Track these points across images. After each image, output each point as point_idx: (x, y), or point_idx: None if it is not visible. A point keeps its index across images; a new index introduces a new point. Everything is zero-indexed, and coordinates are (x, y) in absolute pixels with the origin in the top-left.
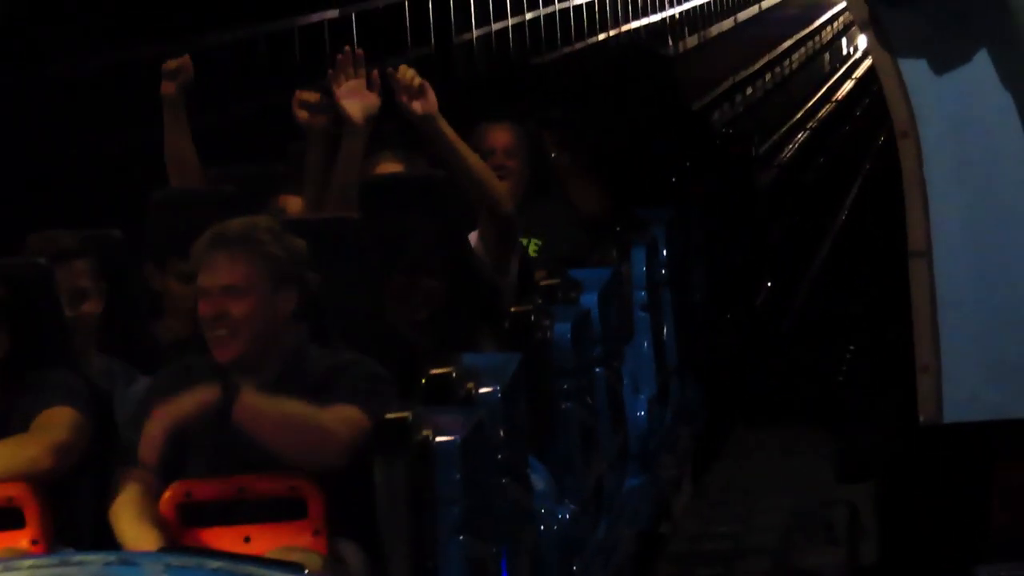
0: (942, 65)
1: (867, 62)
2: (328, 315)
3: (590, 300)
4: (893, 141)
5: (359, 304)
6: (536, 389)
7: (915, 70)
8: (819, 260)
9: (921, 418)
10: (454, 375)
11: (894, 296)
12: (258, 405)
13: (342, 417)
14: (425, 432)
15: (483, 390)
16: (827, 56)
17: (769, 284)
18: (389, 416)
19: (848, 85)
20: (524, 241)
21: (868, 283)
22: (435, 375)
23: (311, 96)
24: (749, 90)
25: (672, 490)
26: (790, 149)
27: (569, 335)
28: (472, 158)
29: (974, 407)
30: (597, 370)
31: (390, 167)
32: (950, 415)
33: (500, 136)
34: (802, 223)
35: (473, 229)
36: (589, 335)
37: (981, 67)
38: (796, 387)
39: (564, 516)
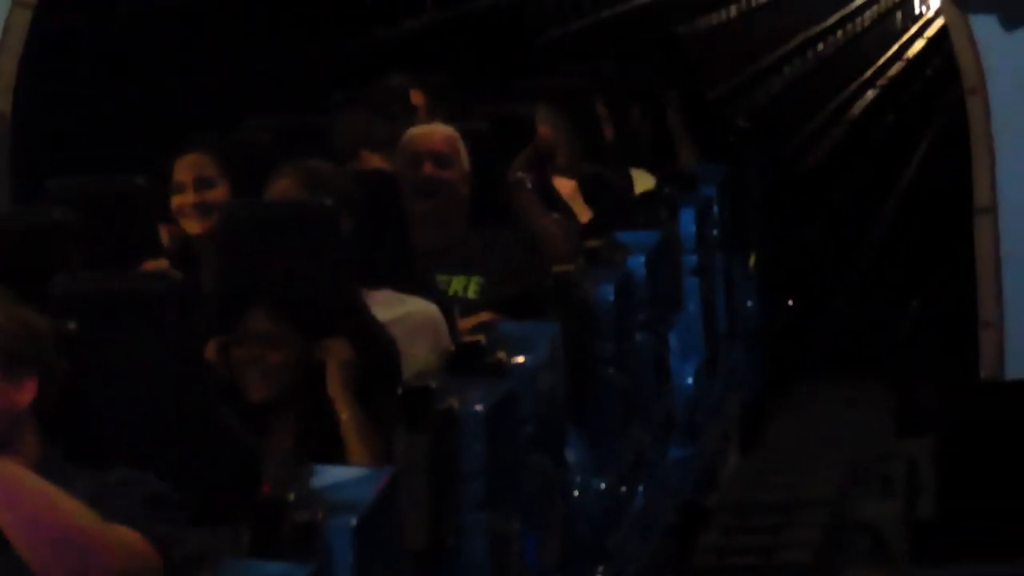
0: (1013, 23)
1: (939, 22)
2: (101, 422)
3: (637, 263)
4: (962, 99)
5: (172, 392)
6: (576, 354)
7: (986, 28)
8: (885, 216)
9: (982, 373)
10: (292, 499)
11: (958, 252)
12: (21, 477)
13: (117, 538)
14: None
15: (470, 409)
16: (899, 15)
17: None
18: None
19: (919, 44)
20: (464, 280)
21: (933, 239)
22: (265, 502)
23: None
24: (820, 46)
25: (719, 460)
26: (859, 106)
27: (612, 298)
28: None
29: None
30: (641, 335)
31: (287, 185)
32: (1012, 371)
33: (428, 139)
34: (869, 179)
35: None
36: (634, 299)
37: None
38: (858, 341)
39: (599, 487)
